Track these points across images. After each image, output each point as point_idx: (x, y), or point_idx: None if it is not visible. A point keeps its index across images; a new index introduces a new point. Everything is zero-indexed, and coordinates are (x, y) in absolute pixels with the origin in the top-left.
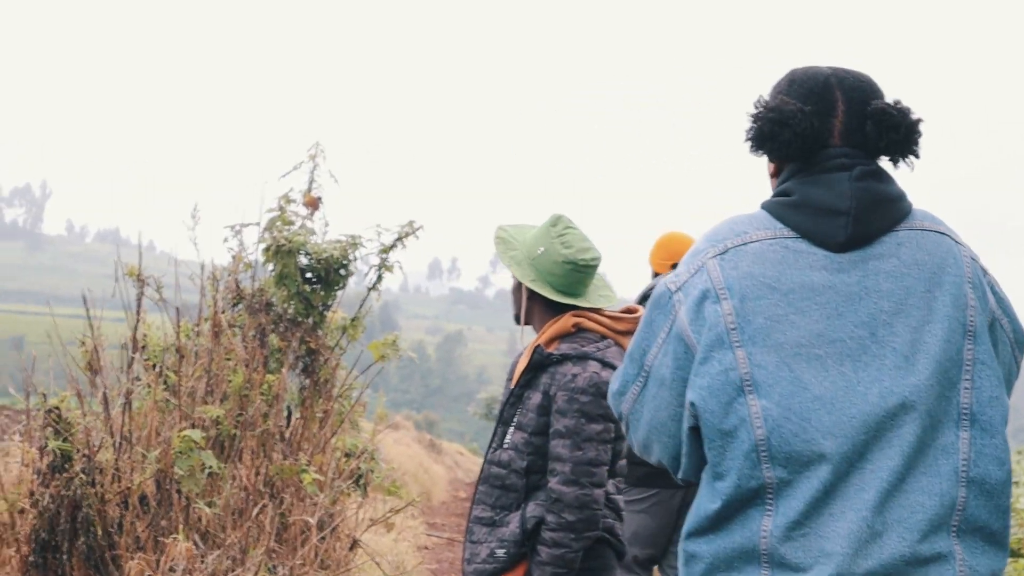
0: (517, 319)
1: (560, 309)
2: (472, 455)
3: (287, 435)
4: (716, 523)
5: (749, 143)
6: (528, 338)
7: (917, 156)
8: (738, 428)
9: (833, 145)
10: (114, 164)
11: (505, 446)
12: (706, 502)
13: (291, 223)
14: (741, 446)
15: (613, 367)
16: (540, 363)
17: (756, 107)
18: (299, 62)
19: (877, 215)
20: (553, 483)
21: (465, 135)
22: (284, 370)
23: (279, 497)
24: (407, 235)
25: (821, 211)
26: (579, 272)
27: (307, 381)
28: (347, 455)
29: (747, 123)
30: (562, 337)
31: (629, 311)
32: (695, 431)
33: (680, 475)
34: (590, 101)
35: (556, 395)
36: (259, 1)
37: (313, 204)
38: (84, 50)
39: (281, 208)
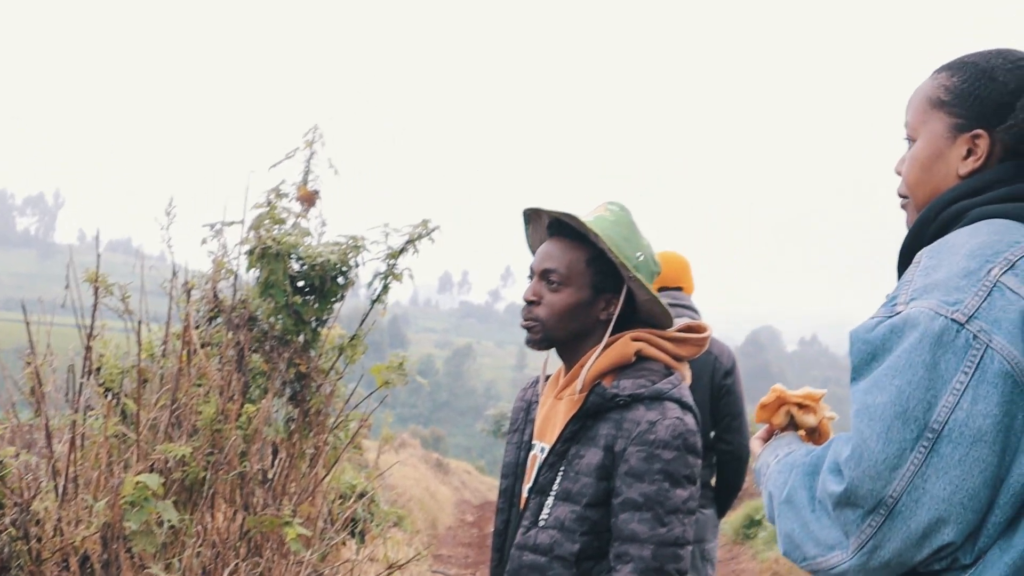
0: (559, 343)
1: (614, 330)
2: (479, 474)
3: (271, 476)
4: None
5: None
6: (552, 367)
7: None
8: None
9: None
10: (128, 173)
11: (543, 524)
12: None
13: (282, 221)
14: None
15: (693, 411)
16: (598, 407)
17: None
18: (303, 58)
19: None
20: (626, 573)
21: (479, 145)
22: (267, 398)
23: (257, 554)
24: (420, 237)
25: None
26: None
27: (295, 411)
28: (342, 497)
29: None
30: (618, 369)
31: (693, 329)
32: None
33: (974, 555)
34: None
35: (627, 451)
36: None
37: (308, 199)
38: (93, 59)
39: (270, 203)
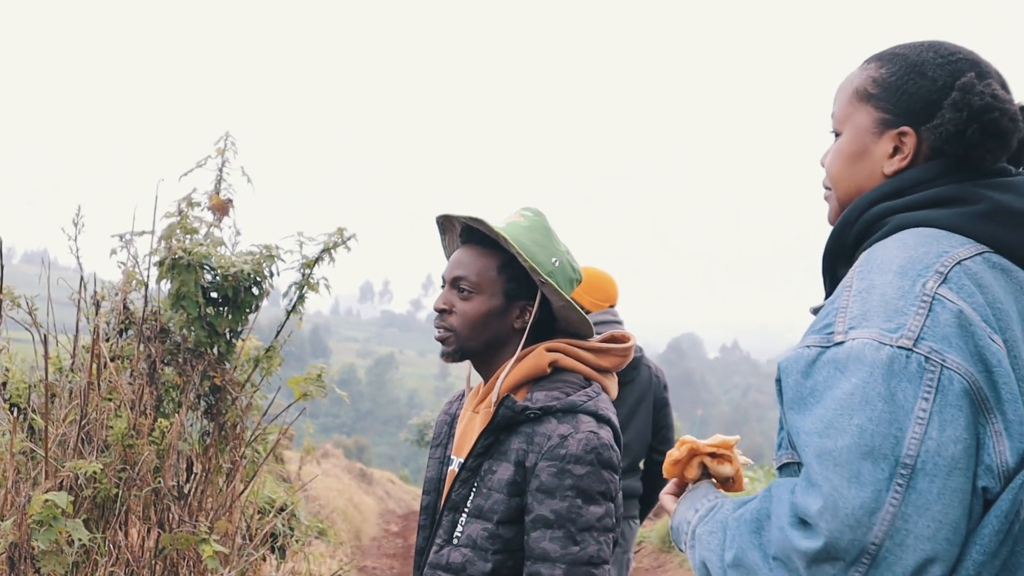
0: (474, 354)
1: (528, 341)
2: (403, 483)
3: (186, 491)
4: None
5: (963, 136)
6: (475, 380)
7: None
8: None
9: None
10: (48, 183)
11: (456, 542)
12: None
13: (194, 231)
14: None
15: (611, 424)
16: (509, 421)
17: (979, 95)
18: (216, 61)
19: None
20: None
21: (398, 153)
22: (181, 412)
23: (173, 573)
24: (336, 246)
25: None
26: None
27: (211, 425)
28: (261, 512)
29: (957, 110)
30: (533, 381)
31: (617, 339)
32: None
33: None
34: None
35: (538, 466)
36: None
37: (221, 208)
38: (12, 67)
39: (182, 212)
